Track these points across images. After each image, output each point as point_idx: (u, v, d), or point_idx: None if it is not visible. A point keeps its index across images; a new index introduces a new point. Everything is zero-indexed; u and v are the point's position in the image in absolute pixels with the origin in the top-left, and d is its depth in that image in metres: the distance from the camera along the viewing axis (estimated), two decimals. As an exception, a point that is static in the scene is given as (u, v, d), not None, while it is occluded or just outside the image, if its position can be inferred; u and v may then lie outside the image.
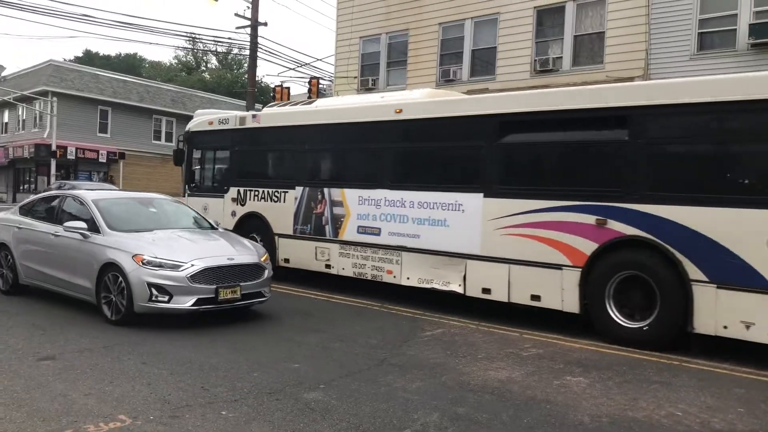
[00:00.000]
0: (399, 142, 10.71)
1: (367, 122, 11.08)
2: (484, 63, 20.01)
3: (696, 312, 7.62)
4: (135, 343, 7.46)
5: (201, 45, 69.90)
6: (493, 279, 9.31)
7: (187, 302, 8.15)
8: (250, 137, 12.97)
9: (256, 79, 31.76)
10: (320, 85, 29.12)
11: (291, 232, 12.05)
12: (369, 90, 22.44)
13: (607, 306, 8.33)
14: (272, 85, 38.16)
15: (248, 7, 27.29)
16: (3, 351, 6.91)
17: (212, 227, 10.21)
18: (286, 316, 9.37)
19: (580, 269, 8.48)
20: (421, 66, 21.24)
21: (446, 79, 20.53)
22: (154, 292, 8.10)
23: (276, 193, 12.38)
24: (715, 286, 7.48)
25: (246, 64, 69.46)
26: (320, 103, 12.98)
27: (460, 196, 9.71)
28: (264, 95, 50.02)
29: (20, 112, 42.38)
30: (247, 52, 28.66)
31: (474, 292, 9.57)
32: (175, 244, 8.72)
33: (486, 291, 9.43)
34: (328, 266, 11.47)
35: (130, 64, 71.57)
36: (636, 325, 8.12)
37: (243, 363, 6.77)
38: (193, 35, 64.07)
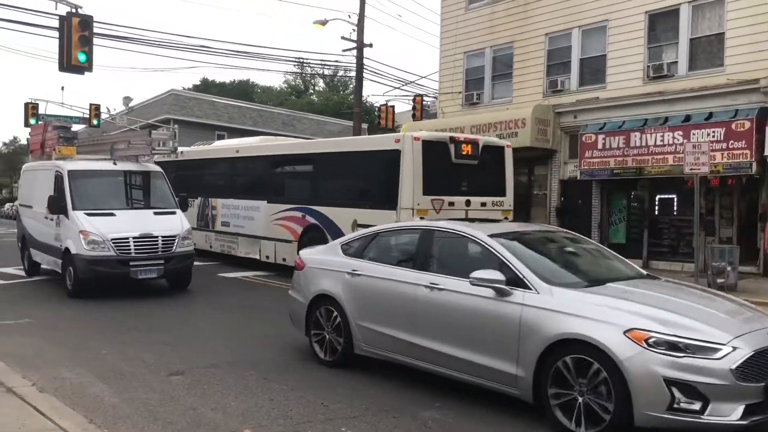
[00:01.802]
0: (235, 169, 18.00)
1: (220, 157, 18.59)
2: (594, 71, 19.46)
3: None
4: (256, 360, 7.76)
5: (309, 69, 72.40)
6: (269, 250, 15.87)
7: (731, 413, 4.89)
8: (179, 165, 18.48)
9: (362, 99, 32.41)
10: (424, 102, 29.36)
11: (195, 226, 16.96)
12: (473, 105, 22.37)
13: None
14: (376, 105, 38.87)
15: (354, 30, 27.98)
16: (138, 366, 7.39)
17: (649, 275, 6.97)
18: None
19: (297, 242, 14.66)
20: (527, 78, 20.94)
21: (554, 90, 20.13)
22: (677, 394, 4.89)
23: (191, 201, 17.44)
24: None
25: (352, 86, 71.16)
26: (214, 145, 20.70)
27: (257, 202, 16.34)
28: (369, 114, 50.91)
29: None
30: (353, 74, 29.42)
31: (263, 258, 16.15)
32: (674, 305, 5.66)
33: (266, 257, 16.00)
34: (210, 246, 18.10)
35: (243, 90, 75.06)
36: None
37: (360, 380, 6.89)
38: (302, 59, 66.32)
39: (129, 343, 8.53)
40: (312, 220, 14.48)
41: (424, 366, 6.39)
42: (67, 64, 14.00)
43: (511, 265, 5.94)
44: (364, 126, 39.95)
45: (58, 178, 12.99)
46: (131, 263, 11.96)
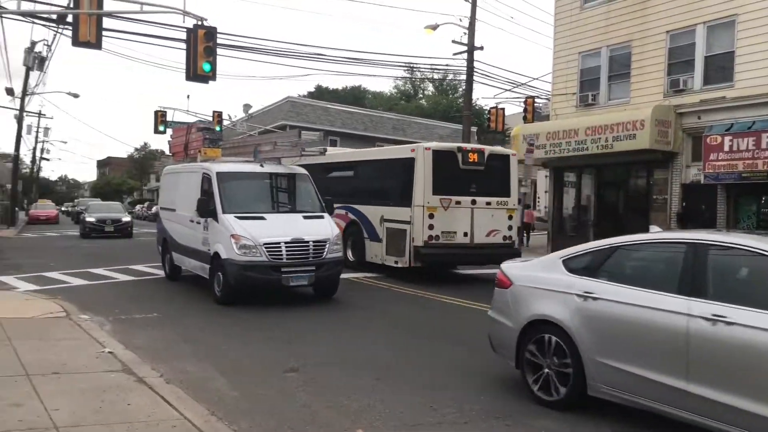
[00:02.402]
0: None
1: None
2: (720, 69, 18.30)
3: (367, 251, 16.56)
4: (367, 358, 7.89)
5: (418, 73, 72.86)
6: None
7: None
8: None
9: (472, 102, 32.18)
10: (536, 104, 28.74)
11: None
12: (588, 106, 21.67)
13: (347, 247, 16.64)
14: (486, 108, 38.49)
15: (464, 34, 27.87)
16: (256, 362, 7.71)
17: None
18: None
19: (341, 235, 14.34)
20: (647, 78, 20.02)
21: (675, 90, 19.12)
22: None
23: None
24: (369, 239, 16.51)
25: (461, 89, 70.85)
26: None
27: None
28: (479, 118, 50.49)
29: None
30: (463, 77, 29.24)
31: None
32: None
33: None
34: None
35: (355, 95, 76.59)
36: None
37: (471, 384, 6.85)
38: (412, 64, 66.89)
39: (248, 340, 8.92)
40: (352, 217, 17.18)
41: (702, 421, 5.02)
42: (193, 74, 14.78)
43: None
44: (474, 129, 39.65)
45: (206, 181, 12.63)
46: (283, 269, 11.34)
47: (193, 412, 5.56)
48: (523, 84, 31.42)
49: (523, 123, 26.14)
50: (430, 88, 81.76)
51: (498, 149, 17.23)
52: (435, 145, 15.61)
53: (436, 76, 74.52)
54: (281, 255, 11.31)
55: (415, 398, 6.34)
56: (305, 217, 12.30)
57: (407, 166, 15.23)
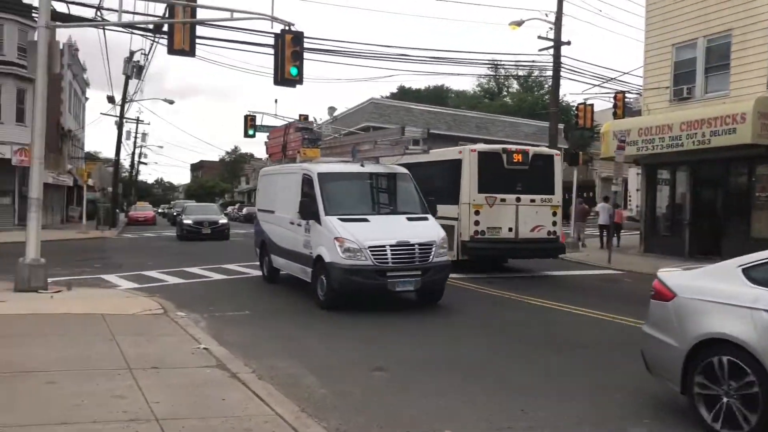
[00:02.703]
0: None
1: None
2: (831, 57, 17.07)
3: None
4: (455, 359, 7.83)
5: (502, 71, 71.89)
6: None
7: None
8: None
9: (559, 98, 31.43)
10: (626, 99, 27.77)
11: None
12: (683, 100, 20.71)
13: None
14: (573, 104, 37.61)
15: (550, 29, 27.26)
16: (343, 361, 7.80)
17: None
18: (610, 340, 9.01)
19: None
20: (748, 69, 18.90)
21: (780, 81, 17.97)
22: None
23: None
24: None
25: (547, 86, 69.34)
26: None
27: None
28: (566, 114, 49.28)
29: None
30: (549, 73, 28.64)
31: None
32: None
33: None
34: None
35: (437, 95, 76.41)
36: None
37: (565, 388, 6.67)
38: (495, 62, 66.06)
39: (335, 339, 9.05)
40: None
41: None
42: (281, 78, 15.13)
43: None
44: (561, 126, 38.75)
45: (307, 182, 12.31)
46: (388, 274, 10.82)
47: (284, 408, 5.67)
48: (612, 79, 30.48)
49: (613, 119, 25.28)
50: (514, 86, 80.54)
51: (542, 150, 18.44)
52: (480, 147, 16.95)
53: (520, 73, 73.26)
54: (387, 259, 10.84)
55: (505, 400, 6.23)
56: (409, 219, 11.84)
57: (455, 167, 16.45)
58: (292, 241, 12.86)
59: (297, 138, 14.75)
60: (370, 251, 10.80)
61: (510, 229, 16.03)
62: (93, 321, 9.40)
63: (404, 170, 13.02)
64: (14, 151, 32.76)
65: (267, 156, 19.23)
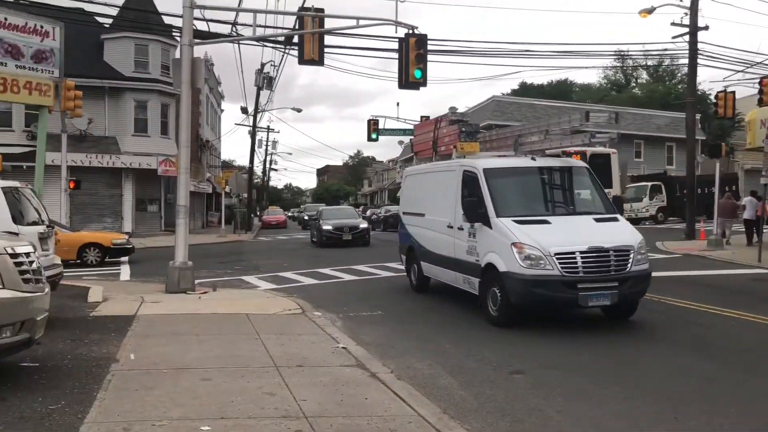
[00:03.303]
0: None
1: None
2: None
3: None
4: (601, 365, 7.57)
5: (630, 61, 68.68)
6: None
7: None
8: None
9: (696, 87, 29.54)
10: (774, 84, 25.63)
11: None
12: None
13: None
14: (709, 92, 35.13)
15: (685, 14, 25.73)
16: (480, 362, 7.75)
17: None
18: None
19: None
20: None
21: None
22: None
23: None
24: None
25: (680, 74, 65.44)
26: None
27: None
28: (701, 104, 46.30)
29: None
30: (682, 61, 27.03)
31: None
32: None
33: None
34: None
35: (561, 90, 74.36)
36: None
37: (708, 395, 6.27)
38: (622, 52, 63.19)
39: (469, 340, 8.99)
40: None
41: None
42: (405, 81, 15.32)
43: None
44: (698, 116, 36.42)
45: (470, 180, 10.92)
46: (579, 286, 9.16)
47: (426, 409, 5.71)
48: (757, 63, 28.26)
49: (758, 106, 23.44)
50: (643, 76, 76.71)
51: (599, 150, 19.15)
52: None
53: (650, 63, 69.63)
54: (577, 268, 9.18)
55: (657, 406, 5.94)
56: (597, 220, 10.24)
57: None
58: (449, 247, 11.44)
59: (451, 131, 13.48)
60: (557, 259, 9.17)
61: None
62: (238, 320, 9.94)
63: (582, 164, 11.72)
64: (159, 161, 35.36)
65: (413, 154, 18.85)
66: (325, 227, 27.54)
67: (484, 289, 10.16)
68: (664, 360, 7.82)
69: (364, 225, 28.36)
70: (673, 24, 25.97)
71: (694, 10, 25.49)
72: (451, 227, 11.33)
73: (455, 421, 5.54)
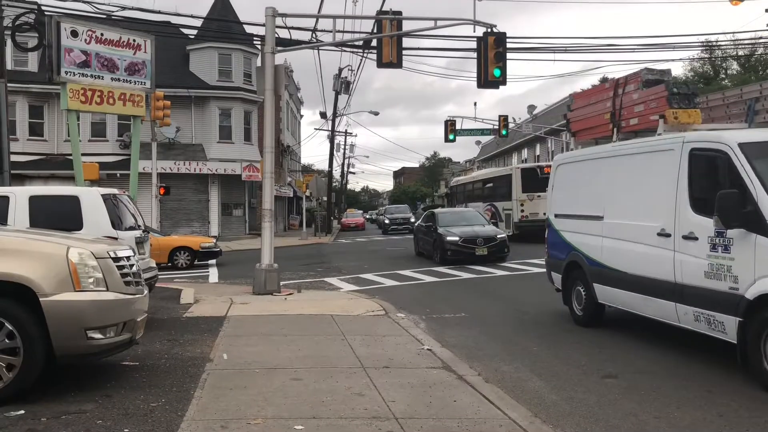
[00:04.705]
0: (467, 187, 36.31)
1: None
2: None
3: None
4: (695, 368, 7.26)
5: (719, 51, 65.54)
6: None
7: None
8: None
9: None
10: None
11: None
12: None
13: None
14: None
15: (781, -1, 24.34)
16: (569, 366, 7.57)
17: None
18: None
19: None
20: None
21: None
22: None
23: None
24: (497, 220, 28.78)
25: (775, 62, 61.84)
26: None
27: (481, 203, 32.75)
28: (801, 93, 43.57)
29: (549, 145, 46.79)
30: (782, 49, 25.48)
31: None
32: None
33: None
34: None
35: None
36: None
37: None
38: (709, 43, 60.37)
39: (558, 343, 8.80)
40: (492, 209, 30.53)
41: None
42: (484, 81, 15.17)
43: None
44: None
45: (708, 163, 7.39)
46: None
47: (517, 413, 5.62)
48: None
49: None
50: (733, 67, 73.06)
51: None
52: (522, 165, 29.14)
53: (740, 53, 66.21)
54: None
55: (763, 415, 5.63)
56: None
57: (509, 178, 29.22)
58: (660, 264, 7.94)
59: (650, 96, 9.76)
60: None
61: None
62: (324, 321, 10.10)
63: None
64: (243, 167, 36.42)
65: (570, 135, 14.49)
66: (449, 238, 20.24)
67: (753, 337, 6.44)
68: None
69: (501, 235, 21.19)
70: (767, 11, 24.63)
71: (790, -6, 24.08)
72: (668, 235, 7.84)
73: (547, 425, 5.43)
